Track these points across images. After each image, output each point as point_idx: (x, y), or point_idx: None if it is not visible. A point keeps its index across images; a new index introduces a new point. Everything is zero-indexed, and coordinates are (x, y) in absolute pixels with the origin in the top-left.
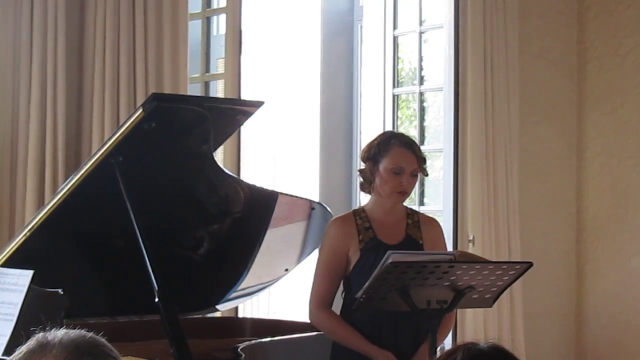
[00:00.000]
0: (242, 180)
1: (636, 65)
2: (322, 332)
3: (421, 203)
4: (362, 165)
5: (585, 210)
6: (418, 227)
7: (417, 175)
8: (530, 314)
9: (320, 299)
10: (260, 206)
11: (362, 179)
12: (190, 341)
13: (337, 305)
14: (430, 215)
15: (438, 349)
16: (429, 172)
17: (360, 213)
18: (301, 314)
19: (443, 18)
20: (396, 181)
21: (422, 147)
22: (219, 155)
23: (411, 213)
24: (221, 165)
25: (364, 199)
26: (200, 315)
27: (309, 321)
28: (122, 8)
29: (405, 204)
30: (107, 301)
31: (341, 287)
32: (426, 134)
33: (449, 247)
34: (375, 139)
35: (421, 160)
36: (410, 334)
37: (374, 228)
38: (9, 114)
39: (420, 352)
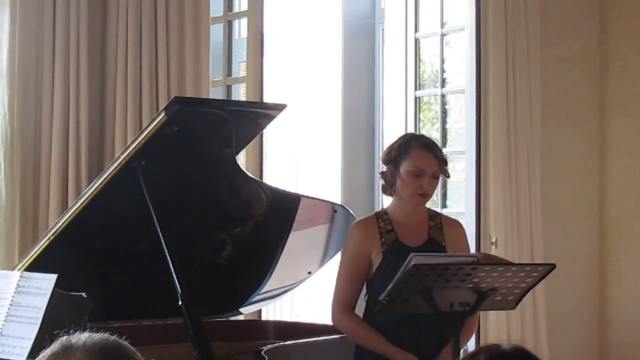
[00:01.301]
0: (264, 183)
1: None
2: (345, 335)
3: (443, 205)
4: (384, 168)
5: (608, 212)
6: (440, 229)
7: (438, 177)
8: (553, 316)
9: (343, 302)
10: (282, 209)
11: (383, 182)
12: (214, 344)
13: (360, 308)
14: (453, 217)
15: (461, 351)
16: (451, 174)
17: (382, 215)
18: (324, 316)
19: (464, 20)
20: (417, 183)
21: (443, 150)
22: (241, 159)
23: (433, 215)
24: (243, 169)
25: (386, 201)
26: (224, 318)
27: (332, 324)
28: (144, 12)
29: (427, 206)
30: (130, 304)
31: (364, 290)
32: (448, 136)
33: (472, 249)
34: (396, 142)
35: (442, 161)
36: (432, 336)
37: (396, 230)
38: (32, 118)
39: (443, 354)
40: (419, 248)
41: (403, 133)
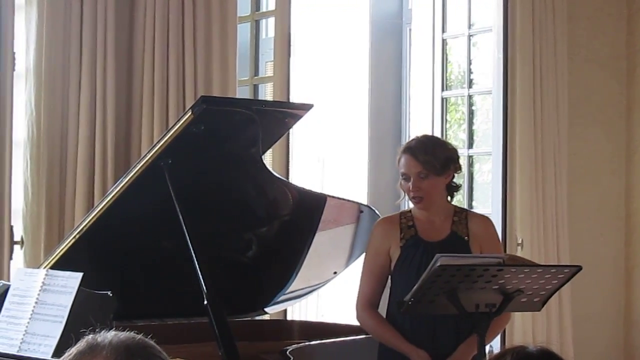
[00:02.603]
0: (290, 183)
1: None
2: (370, 335)
3: (470, 206)
4: None
5: (634, 214)
6: (465, 223)
7: (426, 177)
8: (579, 318)
9: (365, 300)
10: (308, 209)
11: None
12: (239, 344)
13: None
14: (482, 214)
15: (487, 350)
16: (477, 175)
17: (406, 214)
18: (350, 316)
19: (492, 21)
20: (406, 186)
21: (470, 151)
22: (267, 158)
23: (459, 211)
24: (270, 168)
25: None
26: (249, 318)
27: (357, 324)
28: (172, 11)
29: (455, 204)
30: (155, 303)
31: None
32: (475, 137)
33: None
34: None
35: (427, 163)
36: (448, 340)
37: (416, 226)
38: (58, 117)
39: (459, 352)
40: (440, 242)
41: (430, 134)
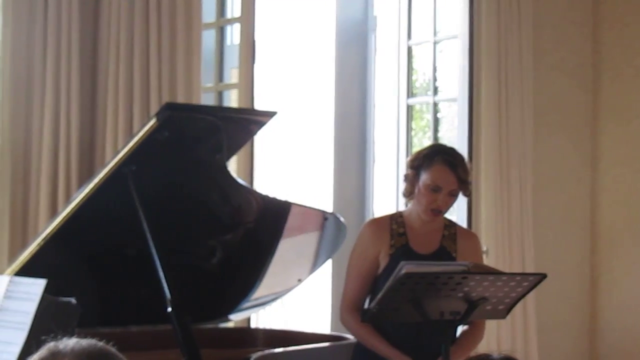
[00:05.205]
0: (255, 190)
1: None
2: (336, 344)
3: None
4: (408, 171)
5: (600, 222)
6: (454, 239)
7: (456, 195)
8: (544, 326)
9: (350, 302)
10: (273, 216)
11: (405, 185)
12: (203, 351)
13: None
14: (469, 229)
15: None
16: None
17: (397, 218)
18: (314, 324)
19: (457, 28)
20: (432, 198)
21: None
22: (232, 165)
23: (449, 225)
24: (234, 175)
25: (377, 209)
26: (213, 325)
27: (322, 332)
28: (136, 17)
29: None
30: (119, 310)
31: None
32: None
33: None
34: (425, 149)
35: (463, 181)
36: (432, 341)
37: (407, 235)
38: (22, 124)
39: None
40: (429, 256)
41: (394, 141)
